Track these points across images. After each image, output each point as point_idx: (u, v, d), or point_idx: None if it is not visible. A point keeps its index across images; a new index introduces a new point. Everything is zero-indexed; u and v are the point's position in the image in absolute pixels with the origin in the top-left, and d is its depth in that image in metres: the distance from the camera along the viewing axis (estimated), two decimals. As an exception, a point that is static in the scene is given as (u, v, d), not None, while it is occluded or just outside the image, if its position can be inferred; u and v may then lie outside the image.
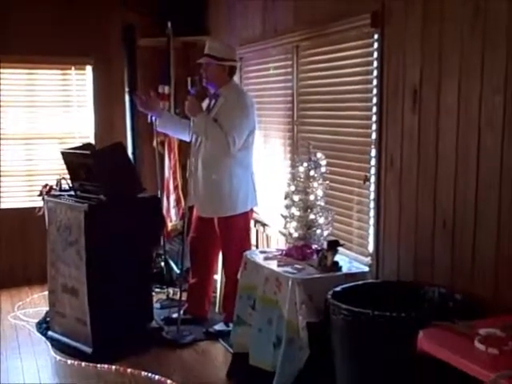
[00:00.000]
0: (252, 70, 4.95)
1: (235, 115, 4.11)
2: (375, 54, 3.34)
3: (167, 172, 5.41)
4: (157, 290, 5.09)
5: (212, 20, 5.57)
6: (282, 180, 4.47)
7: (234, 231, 4.25)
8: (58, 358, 4.03)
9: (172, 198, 5.43)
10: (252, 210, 4.38)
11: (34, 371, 3.85)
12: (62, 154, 4.30)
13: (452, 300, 2.67)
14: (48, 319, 4.54)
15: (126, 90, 5.44)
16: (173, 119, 4.61)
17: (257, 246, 4.74)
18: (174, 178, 5.43)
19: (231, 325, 3.93)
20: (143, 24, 5.48)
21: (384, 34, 3.23)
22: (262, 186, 4.54)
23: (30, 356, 4.07)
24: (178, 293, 4.60)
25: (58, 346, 4.20)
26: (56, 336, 4.30)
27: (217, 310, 4.76)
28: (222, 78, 4.25)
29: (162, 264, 5.34)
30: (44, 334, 4.40)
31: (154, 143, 5.32)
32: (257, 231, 4.80)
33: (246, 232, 4.35)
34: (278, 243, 4.34)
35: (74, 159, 4.19)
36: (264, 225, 4.70)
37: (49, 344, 4.24)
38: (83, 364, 3.91)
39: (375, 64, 3.34)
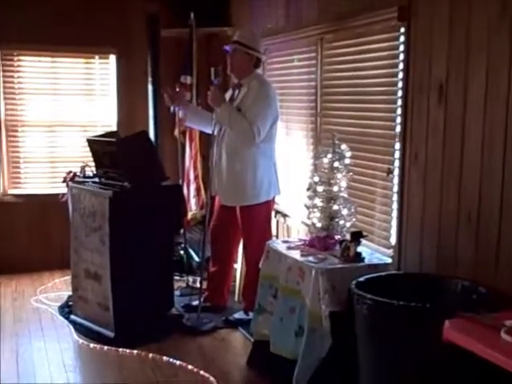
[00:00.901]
0: (275, 61, 4.98)
1: (259, 105, 4.15)
2: (401, 48, 3.36)
3: (188, 162, 5.46)
4: (176, 277, 5.15)
5: (235, 11, 5.60)
6: (303, 171, 4.52)
7: (256, 220, 4.30)
8: (81, 341, 4.11)
9: (192, 187, 5.49)
10: (274, 200, 4.43)
11: (58, 353, 3.93)
12: (88, 141, 4.36)
13: (476, 293, 2.69)
14: (70, 303, 4.62)
15: (149, 79, 5.49)
16: (200, 113, 4.64)
17: (277, 237, 4.77)
18: (195, 168, 5.48)
19: (251, 313, 3.99)
20: (166, 15, 5.51)
21: (410, 28, 3.24)
22: (282, 176, 4.58)
23: (53, 338, 4.15)
24: (198, 281, 4.66)
25: (80, 329, 4.27)
26: (78, 320, 4.38)
27: (236, 298, 4.82)
28: (247, 68, 4.28)
29: (182, 252, 5.39)
30: (66, 318, 4.48)
31: (176, 133, 5.37)
32: (277, 222, 4.85)
33: (267, 221, 4.40)
34: (299, 233, 4.38)
35: (99, 146, 4.25)
36: (285, 215, 4.75)
37: (71, 327, 4.32)
38: (105, 348, 3.98)
39: (401, 57, 3.36)
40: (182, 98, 4.65)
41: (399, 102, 3.38)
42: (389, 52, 3.50)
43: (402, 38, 3.36)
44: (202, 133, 5.21)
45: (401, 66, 3.37)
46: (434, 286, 2.89)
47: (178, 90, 4.58)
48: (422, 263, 3.19)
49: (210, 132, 4.41)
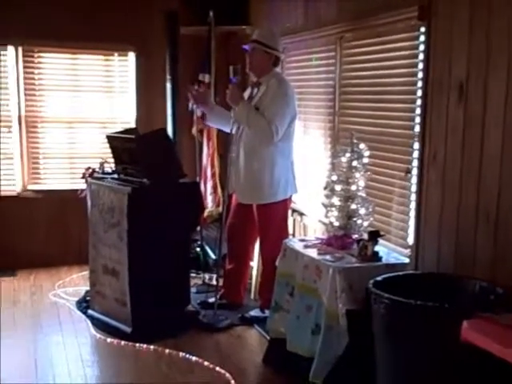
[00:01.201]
0: (294, 60, 4.99)
1: (277, 103, 4.15)
2: (421, 47, 3.35)
3: (205, 159, 5.48)
4: (193, 275, 5.16)
5: (254, 9, 5.61)
6: (320, 170, 4.52)
7: (273, 218, 4.31)
8: (98, 336, 4.15)
9: (209, 185, 5.50)
10: (291, 198, 4.44)
11: (75, 347, 3.97)
12: (108, 137, 4.40)
13: (493, 293, 2.68)
14: (88, 298, 4.67)
15: (168, 77, 5.52)
16: (221, 112, 4.63)
17: (294, 236, 4.78)
18: (212, 166, 5.49)
19: (267, 311, 4.02)
20: (185, 12, 5.53)
21: (431, 27, 3.23)
22: (300, 175, 4.58)
23: (70, 333, 4.20)
24: (214, 278, 4.69)
25: (97, 324, 4.31)
26: (96, 315, 4.42)
27: (252, 296, 4.83)
28: (266, 66, 4.30)
29: (198, 250, 5.42)
30: (84, 313, 4.52)
31: (193, 131, 5.39)
32: (294, 220, 4.86)
33: (284, 220, 4.41)
34: (316, 232, 4.39)
35: (118, 143, 4.28)
36: (301, 214, 4.75)
37: (89, 322, 4.36)
38: (122, 343, 4.02)
39: (421, 57, 3.35)
40: (206, 97, 4.67)
41: (418, 102, 3.38)
42: (408, 51, 3.50)
43: (422, 38, 3.35)
44: (219, 131, 5.23)
45: (420, 65, 3.36)
46: (451, 286, 2.88)
47: (201, 89, 4.61)
48: (439, 263, 3.18)
49: (229, 131, 4.43)
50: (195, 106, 4.79)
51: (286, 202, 4.36)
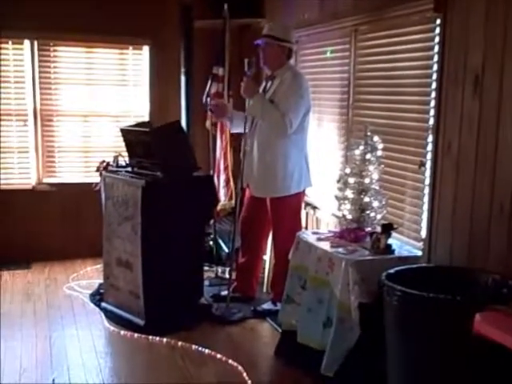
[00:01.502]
0: (308, 53, 4.97)
1: (291, 96, 4.14)
2: (437, 39, 3.32)
3: (218, 153, 5.47)
4: (206, 268, 5.17)
5: (268, 2, 5.59)
6: (334, 163, 4.50)
7: (286, 212, 4.30)
8: (112, 328, 4.17)
9: (222, 178, 5.49)
10: (304, 192, 4.42)
11: (89, 339, 4.00)
12: (122, 130, 4.41)
13: (506, 286, 2.66)
14: (101, 291, 4.69)
15: (182, 70, 5.52)
16: (242, 119, 4.54)
17: (306, 229, 4.77)
18: (225, 159, 5.48)
19: (279, 304, 4.01)
20: (200, 5, 5.53)
21: (446, 19, 3.20)
22: (313, 168, 4.57)
23: (84, 325, 4.22)
24: (227, 271, 4.69)
25: (111, 317, 4.33)
26: (109, 307, 4.44)
27: (264, 289, 4.84)
28: (280, 60, 4.29)
29: (211, 243, 5.43)
30: (97, 305, 4.55)
31: (207, 124, 5.39)
32: (307, 214, 4.85)
33: (297, 213, 4.40)
34: (328, 226, 4.37)
35: (132, 136, 4.29)
36: (314, 207, 4.74)
37: (102, 315, 4.39)
38: (136, 335, 4.03)
39: (436, 49, 3.32)
40: (224, 110, 4.70)
41: (433, 94, 3.35)
42: (424, 43, 3.47)
43: (437, 30, 3.32)
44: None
45: (435, 57, 3.33)
46: (464, 279, 2.86)
47: (219, 103, 4.77)
48: (452, 256, 3.16)
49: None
50: (208, 100, 4.79)
51: (299, 196, 4.35)
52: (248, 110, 4.29)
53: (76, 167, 5.86)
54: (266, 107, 4.14)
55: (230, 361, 3.67)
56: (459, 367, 2.45)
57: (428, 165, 3.40)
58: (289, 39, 4.30)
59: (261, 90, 4.36)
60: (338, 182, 3.66)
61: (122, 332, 4.09)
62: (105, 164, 4.77)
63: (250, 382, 3.43)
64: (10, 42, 5.49)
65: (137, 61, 5.86)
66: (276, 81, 4.29)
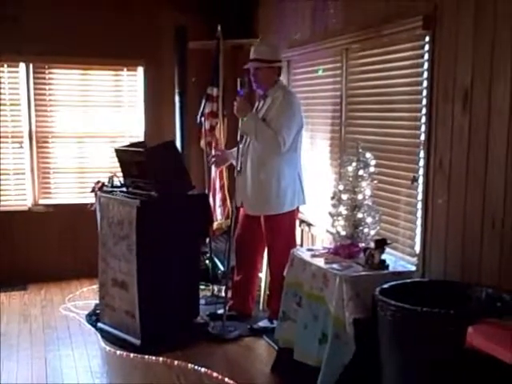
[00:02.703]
0: (300, 72, 5.02)
1: (283, 115, 4.18)
2: (426, 56, 3.37)
3: (214, 172, 5.49)
4: (202, 286, 5.18)
5: (261, 22, 5.66)
6: (327, 180, 4.53)
7: (280, 229, 4.32)
8: (108, 348, 4.16)
9: (218, 197, 5.51)
10: (298, 209, 4.45)
11: (85, 359, 3.99)
12: (116, 151, 4.43)
13: (500, 300, 2.68)
14: (97, 311, 4.68)
15: (176, 91, 5.57)
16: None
17: (302, 246, 4.79)
18: (221, 178, 5.50)
19: (275, 322, 4.01)
20: (193, 27, 5.59)
21: (435, 36, 3.26)
22: (307, 185, 4.60)
23: (80, 345, 4.22)
24: (223, 289, 4.69)
25: (107, 337, 4.32)
26: (105, 328, 4.43)
27: (261, 307, 4.83)
28: (271, 80, 4.34)
29: (207, 262, 5.43)
30: (94, 326, 4.54)
31: (202, 143, 5.42)
32: (302, 231, 4.86)
33: (291, 230, 4.42)
34: (323, 242, 4.38)
35: (126, 156, 4.31)
36: (309, 224, 4.76)
37: (98, 335, 4.38)
38: (132, 355, 4.02)
39: (425, 66, 3.37)
40: (224, 158, 4.89)
41: (424, 111, 3.39)
42: (413, 61, 3.51)
43: (426, 47, 3.37)
44: (227, 143, 5.26)
45: (425, 74, 3.37)
46: (458, 293, 2.88)
47: (217, 153, 5.02)
48: (446, 271, 3.18)
49: None
50: (203, 119, 4.84)
51: (293, 213, 4.37)
52: (241, 129, 4.33)
53: (71, 188, 5.89)
54: (259, 126, 4.18)
55: (227, 379, 3.66)
56: (455, 380, 2.45)
57: (420, 180, 3.43)
58: (277, 58, 4.35)
59: (254, 109, 4.40)
60: (332, 198, 3.68)
61: (118, 352, 4.09)
62: (100, 184, 4.78)
63: (246, 400, 3.43)
64: (5, 65, 5.55)
65: (131, 82, 5.92)
66: (268, 100, 4.34)
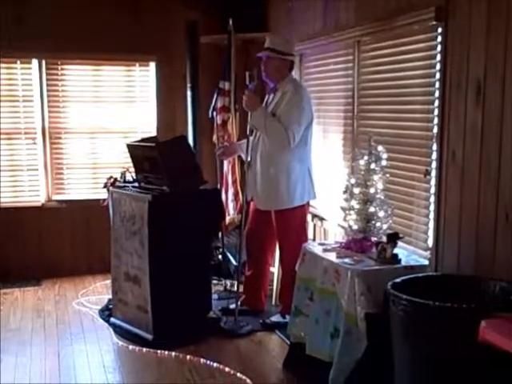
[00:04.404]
0: (312, 65, 4.99)
1: (292, 109, 4.15)
2: (438, 48, 3.32)
3: (226, 166, 5.49)
4: (214, 281, 5.18)
5: (272, 16, 5.63)
6: (339, 174, 4.50)
7: (291, 224, 4.30)
8: (120, 343, 4.17)
9: (230, 192, 5.50)
10: (308, 204, 4.42)
11: (98, 354, 4.00)
12: (128, 146, 4.43)
13: (514, 294, 2.65)
14: (110, 306, 4.70)
15: (188, 85, 5.56)
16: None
17: (314, 240, 4.77)
18: (233, 173, 5.50)
19: (287, 317, 4.00)
20: (204, 21, 5.58)
21: (448, 28, 3.21)
22: (319, 179, 4.57)
23: (93, 340, 4.23)
24: (236, 284, 4.69)
25: (119, 332, 4.34)
26: (118, 322, 4.44)
27: (273, 302, 4.82)
28: (282, 72, 4.31)
29: (220, 257, 5.43)
30: (106, 321, 4.55)
31: (214, 138, 5.41)
32: (314, 225, 4.84)
33: (302, 225, 4.39)
34: (336, 237, 4.36)
35: (138, 152, 4.31)
36: (322, 219, 4.73)
37: (111, 330, 4.39)
38: (144, 350, 4.03)
39: (438, 58, 3.33)
40: (231, 150, 4.85)
41: (436, 103, 3.35)
42: (426, 52, 3.47)
43: (439, 38, 3.33)
44: (239, 138, 5.24)
45: (438, 66, 3.33)
46: (471, 287, 2.84)
47: (225, 144, 4.98)
48: (459, 265, 3.14)
49: None
50: (214, 113, 4.83)
51: (303, 208, 4.35)
52: (251, 123, 4.30)
53: (84, 184, 5.90)
54: (268, 120, 4.16)
55: (239, 374, 3.66)
56: (467, 375, 2.43)
57: (433, 173, 3.39)
58: (291, 52, 4.33)
59: (263, 103, 4.38)
60: (344, 192, 3.65)
61: (131, 347, 4.09)
62: (112, 180, 4.80)
63: (258, 395, 3.43)
64: (18, 62, 5.56)
65: (143, 77, 5.91)
66: (278, 93, 4.31)
